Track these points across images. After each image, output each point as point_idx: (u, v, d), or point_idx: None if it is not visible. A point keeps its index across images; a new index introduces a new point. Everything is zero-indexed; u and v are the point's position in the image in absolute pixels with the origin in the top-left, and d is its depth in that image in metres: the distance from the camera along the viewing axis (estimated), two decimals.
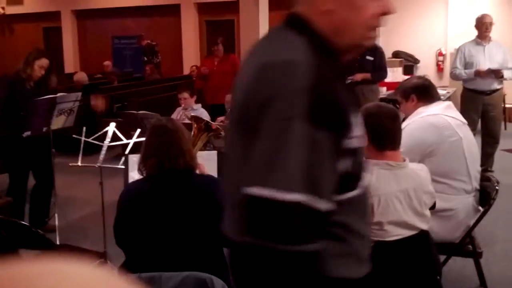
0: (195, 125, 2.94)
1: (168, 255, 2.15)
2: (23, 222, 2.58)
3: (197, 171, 2.41)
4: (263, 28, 6.88)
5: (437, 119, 2.88)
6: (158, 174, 2.20)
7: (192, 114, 4.86)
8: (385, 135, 2.18)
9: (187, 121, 3.06)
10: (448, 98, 6.19)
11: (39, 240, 2.50)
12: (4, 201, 3.48)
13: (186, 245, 2.16)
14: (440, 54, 9.65)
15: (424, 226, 2.20)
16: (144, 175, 2.27)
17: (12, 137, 4.01)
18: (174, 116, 4.76)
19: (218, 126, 3.03)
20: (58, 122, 4.12)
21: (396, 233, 2.11)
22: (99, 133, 3.73)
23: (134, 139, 3.55)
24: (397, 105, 3.10)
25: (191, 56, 12.40)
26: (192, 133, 2.92)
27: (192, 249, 2.17)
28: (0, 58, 13.92)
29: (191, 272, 2.04)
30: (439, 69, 9.66)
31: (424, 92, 2.99)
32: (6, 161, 4.20)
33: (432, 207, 2.33)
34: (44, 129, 4.02)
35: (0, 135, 4.13)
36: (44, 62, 4.07)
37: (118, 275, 0.40)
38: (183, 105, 4.94)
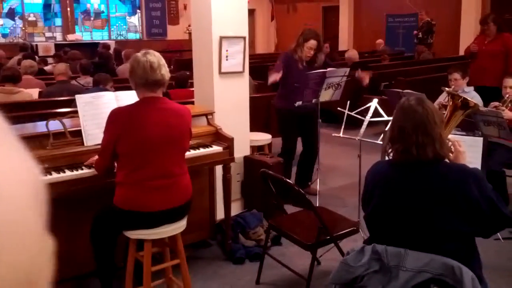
0: (451, 103, 2.69)
1: (409, 243, 2.10)
2: (289, 181, 2.90)
3: (451, 156, 2.22)
4: None
5: None
6: (403, 163, 2.07)
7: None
8: None
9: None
10: None
11: (301, 199, 2.79)
12: (276, 160, 3.96)
13: (429, 235, 2.05)
14: None
15: None
16: (390, 156, 2.17)
17: (286, 109, 4.57)
18: (441, 98, 4.55)
19: (476, 103, 2.67)
20: (326, 95, 4.45)
21: None
22: (362, 108, 3.88)
23: None
24: None
25: (469, 35, 11.45)
26: (447, 112, 2.70)
27: (436, 240, 2.06)
28: (285, 34, 15.54)
29: (439, 256, 1.99)
30: None
31: None
32: (280, 128, 4.77)
33: None
34: (314, 100, 4.40)
35: (277, 107, 4.73)
36: (312, 43, 4.45)
37: None
38: (453, 86, 4.65)
